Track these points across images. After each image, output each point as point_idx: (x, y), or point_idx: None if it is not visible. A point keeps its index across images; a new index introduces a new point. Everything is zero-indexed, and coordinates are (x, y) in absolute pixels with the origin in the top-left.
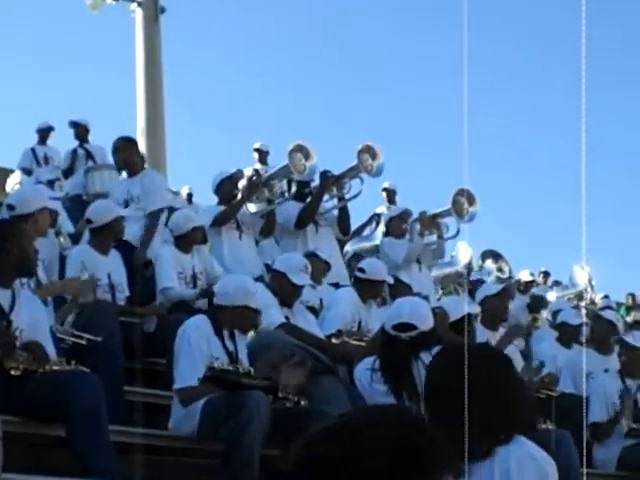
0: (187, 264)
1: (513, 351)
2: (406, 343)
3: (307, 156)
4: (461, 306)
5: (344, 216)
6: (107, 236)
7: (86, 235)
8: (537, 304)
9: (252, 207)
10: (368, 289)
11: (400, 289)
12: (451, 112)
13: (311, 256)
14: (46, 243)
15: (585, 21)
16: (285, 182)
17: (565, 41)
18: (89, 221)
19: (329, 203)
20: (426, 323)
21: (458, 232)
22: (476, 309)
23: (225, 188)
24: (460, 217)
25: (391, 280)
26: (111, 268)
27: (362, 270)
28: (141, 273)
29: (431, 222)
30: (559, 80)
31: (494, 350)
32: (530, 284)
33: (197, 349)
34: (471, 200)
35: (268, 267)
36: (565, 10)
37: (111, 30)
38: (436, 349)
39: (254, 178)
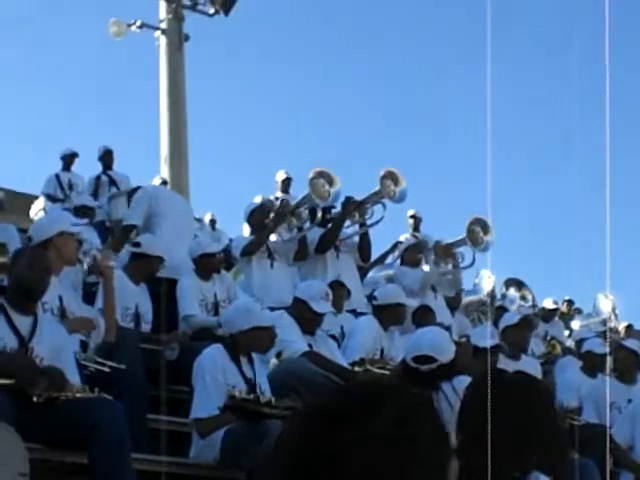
0: (208, 292)
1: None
2: (426, 375)
3: (330, 182)
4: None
5: (365, 243)
6: (145, 268)
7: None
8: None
9: (285, 235)
10: (386, 315)
11: (425, 315)
12: (473, 138)
13: (335, 283)
14: (69, 269)
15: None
16: (308, 210)
17: (587, 83)
18: (137, 244)
19: (350, 229)
20: (446, 355)
21: (474, 261)
22: (495, 341)
23: (256, 218)
24: (475, 246)
25: (409, 303)
26: (140, 299)
27: (375, 297)
28: (165, 301)
29: (446, 251)
30: (581, 107)
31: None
32: (553, 312)
33: (212, 380)
34: (486, 229)
35: None
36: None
37: (135, 57)
38: (457, 380)
39: (281, 208)
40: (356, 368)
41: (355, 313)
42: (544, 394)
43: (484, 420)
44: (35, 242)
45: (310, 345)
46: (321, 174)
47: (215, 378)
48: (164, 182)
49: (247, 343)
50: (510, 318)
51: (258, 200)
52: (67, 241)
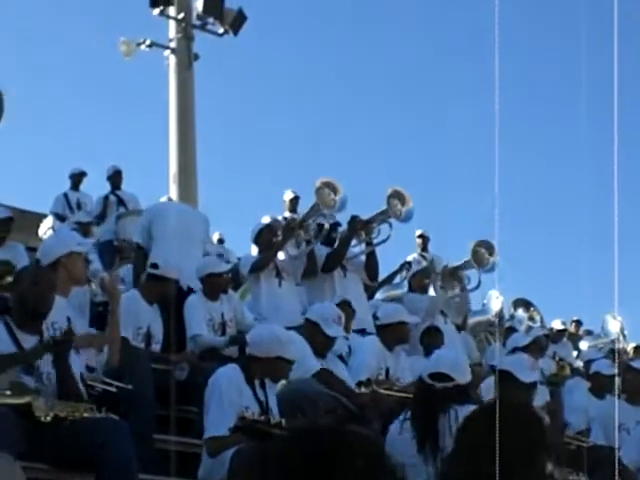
0: (215, 312)
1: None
2: (440, 394)
3: (335, 191)
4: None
5: (372, 262)
6: (159, 289)
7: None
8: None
9: (292, 251)
10: (389, 334)
11: (433, 336)
12: (482, 160)
13: (342, 303)
14: (77, 290)
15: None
16: (316, 226)
17: (596, 100)
18: (154, 266)
19: (357, 248)
20: (463, 377)
21: (479, 284)
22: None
23: (264, 238)
24: (481, 267)
25: (412, 320)
26: (152, 320)
27: (377, 317)
28: (175, 321)
29: (453, 275)
30: (588, 129)
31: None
32: (561, 333)
33: (227, 399)
34: (491, 250)
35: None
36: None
37: (144, 76)
38: (468, 407)
39: (290, 222)
40: (362, 389)
41: (363, 333)
42: (534, 423)
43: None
44: (44, 263)
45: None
46: (326, 184)
47: (230, 397)
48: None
49: (266, 369)
50: (520, 340)
51: (265, 220)
52: (75, 261)
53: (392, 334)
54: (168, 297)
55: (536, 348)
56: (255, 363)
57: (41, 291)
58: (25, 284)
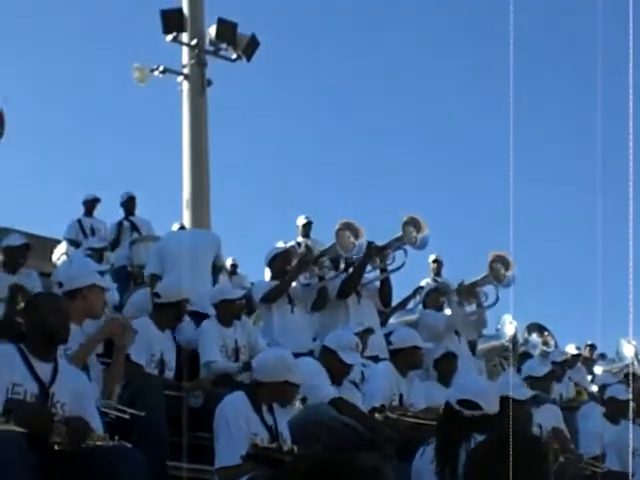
0: (229, 338)
1: (559, 425)
2: (465, 420)
3: (356, 234)
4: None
5: (386, 287)
6: (170, 314)
7: (132, 304)
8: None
9: (303, 279)
10: (402, 359)
11: (448, 362)
12: (495, 183)
13: (365, 332)
14: None
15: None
16: (330, 259)
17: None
18: (157, 295)
19: (372, 274)
20: (492, 407)
21: (497, 299)
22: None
23: (278, 263)
24: (498, 283)
25: (426, 346)
26: (165, 346)
27: (390, 342)
28: (188, 348)
29: (469, 291)
30: (604, 153)
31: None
32: (576, 358)
33: (235, 427)
34: (507, 265)
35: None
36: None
37: (158, 103)
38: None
39: (305, 256)
40: (376, 415)
41: (377, 359)
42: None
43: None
44: (65, 289)
45: None
46: (348, 226)
47: (238, 426)
48: (182, 228)
49: (272, 394)
50: (536, 369)
51: (280, 245)
52: (97, 294)
53: (405, 359)
54: (181, 318)
55: (552, 377)
56: (262, 388)
57: (61, 319)
58: (44, 311)
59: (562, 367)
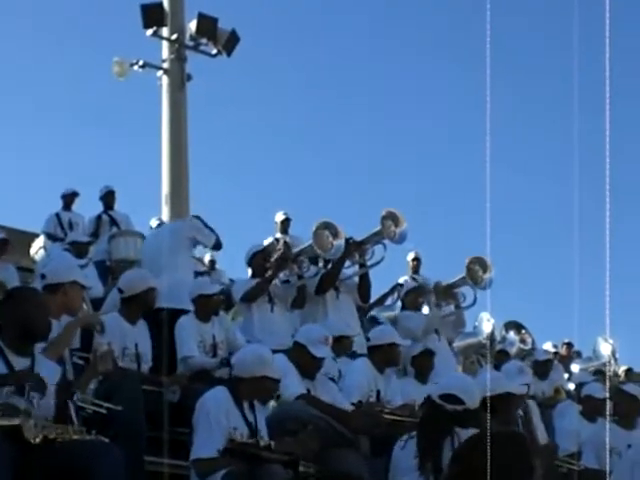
0: (207, 333)
1: (539, 427)
2: (448, 415)
3: (335, 234)
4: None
5: (365, 283)
6: (137, 306)
7: (110, 300)
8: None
9: (282, 276)
10: (380, 356)
11: (425, 360)
12: (473, 181)
13: (341, 338)
14: None
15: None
16: (309, 258)
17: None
18: (120, 291)
19: (350, 269)
20: (474, 401)
21: (475, 300)
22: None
23: (257, 261)
24: (476, 285)
25: (403, 343)
26: (139, 338)
27: (368, 339)
28: (167, 342)
29: (447, 292)
30: (581, 151)
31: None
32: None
33: (215, 421)
34: (485, 267)
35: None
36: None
37: (137, 97)
38: (468, 432)
39: (283, 254)
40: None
41: (354, 355)
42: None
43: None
44: (47, 282)
45: (309, 390)
46: (327, 226)
47: (218, 419)
48: (161, 222)
49: (253, 390)
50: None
51: (259, 243)
52: (77, 291)
53: (383, 355)
54: (151, 306)
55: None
56: (242, 384)
57: (43, 315)
58: (27, 305)
59: (546, 366)
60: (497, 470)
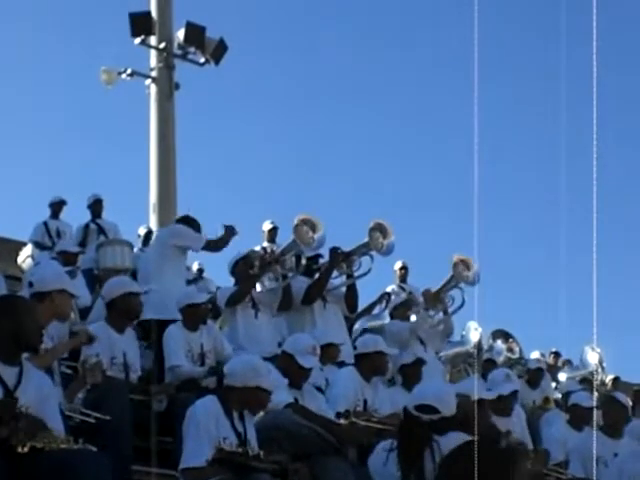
0: (195, 342)
1: (523, 434)
2: (426, 425)
3: (313, 228)
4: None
5: (352, 293)
6: (121, 313)
7: (96, 309)
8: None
9: (268, 284)
10: (366, 365)
11: (416, 369)
12: (461, 190)
13: (329, 345)
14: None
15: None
16: (294, 257)
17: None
18: (103, 297)
19: (338, 280)
20: (449, 409)
21: (463, 302)
22: (490, 395)
23: (240, 268)
24: (464, 282)
25: (391, 352)
26: (127, 347)
27: (355, 347)
28: (155, 351)
29: (435, 298)
30: (567, 152)
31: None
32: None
33: (205, 431)
34: (468, 265)
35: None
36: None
37: (125, 105)
38: (446, 437)
39: (266, 256)
40: (341, 420)
41: (342, 364)
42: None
43: None
44: (35, 290)
45: (296, 399)
46: (304, 221)
47: (207, 429)
48: (149, 231)
49: (244, 400)
50: (503, 387)
51: (241, 251)
52: (65, 299)
53: (369, 364)
54: (137, 312)
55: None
56: (233, 394)
57: (35, 325)
58: (20, 314)
59: (537, 374)
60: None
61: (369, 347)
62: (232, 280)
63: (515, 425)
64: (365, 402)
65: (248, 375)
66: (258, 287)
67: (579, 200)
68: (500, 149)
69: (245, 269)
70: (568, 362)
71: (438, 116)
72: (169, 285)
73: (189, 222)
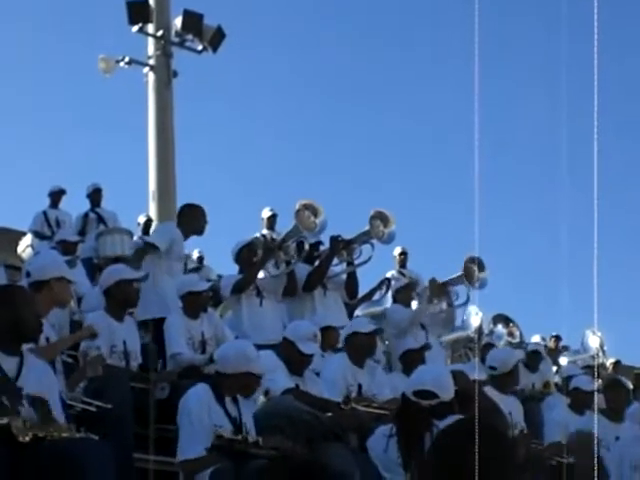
0: (195, 330)
1: (517, 413)
2: (425, 411)
3: (315, 213)
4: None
5: (352, 280)
6: (118, 301)
7: (89, 297)
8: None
9: (272, 271)
10: (355, 348)
11: (419, 355)
12: (463, 178)
13: (328, 328)
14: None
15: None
16: (295, 244)
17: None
18: (100, 286)
19: (338, 267)
20: (448, 393)
21: (468, 299)
22: (483, 376)
23: (244, 255)
24: (471, 284)
25: (368, 329)
26: (126, 335)
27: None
28: (155, 339)
29: (441, 290)
30: (568, 143)
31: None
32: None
33: (198, 420)
34: (481, 267)
35: None
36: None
37: (124, 94)
38: (450, 419)
39: (269, 243)
40: (342, 406)
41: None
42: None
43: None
44: (33, 279)
45: (298, 385)
46: (305, 206)
47: (201, 418)
48: (149, 219)
49: (235, 385)
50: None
51: (245, 239)
52: (64, 286)
53: (356, 347)
54: (134, 300)
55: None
56: (224, 380)
57: (35, 315)
58: (20, 304)
59: (535, 357)
60: (479, 464)
61: (351, 328)
62: (235, 267)
63: (512, 405)
64: (360, 387)
65: (238, 361)
66: (261, 274)
67: (580, 187)
68: (501, 140)
69: (249, 256)
70: (565, 348)
71: (438, 107)
72: (163, 284)
73: (192, 210)
